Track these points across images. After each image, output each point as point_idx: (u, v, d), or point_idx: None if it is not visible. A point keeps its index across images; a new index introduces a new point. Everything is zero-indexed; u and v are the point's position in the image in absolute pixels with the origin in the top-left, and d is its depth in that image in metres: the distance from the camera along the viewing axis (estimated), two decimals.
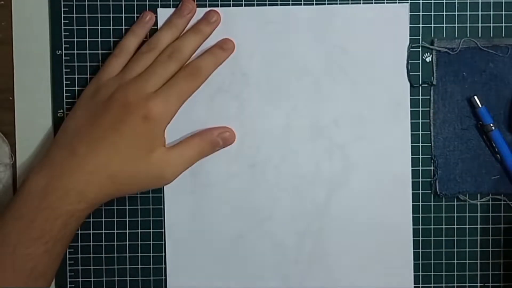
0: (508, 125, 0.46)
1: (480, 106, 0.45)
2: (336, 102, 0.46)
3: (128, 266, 0.46)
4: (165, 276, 0.46)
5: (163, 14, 0.45)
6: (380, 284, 0.46)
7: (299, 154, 0.46)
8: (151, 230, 0.46)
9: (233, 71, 0.45)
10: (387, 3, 0.46)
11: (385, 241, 0.46)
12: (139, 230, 0.46)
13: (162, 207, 0.46)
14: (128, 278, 0.46)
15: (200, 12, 0.45)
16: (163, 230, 0.46)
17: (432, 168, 0.46)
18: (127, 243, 0.46)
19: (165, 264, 0.46)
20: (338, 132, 0.46)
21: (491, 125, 0.45)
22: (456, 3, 0.46)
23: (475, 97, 0.46)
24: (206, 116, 0.46)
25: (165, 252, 0.46)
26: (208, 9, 0.45)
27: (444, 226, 0.47)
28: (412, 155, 0.46)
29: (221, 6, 0.46)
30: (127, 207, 0.46)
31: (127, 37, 0.45)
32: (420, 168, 0.46)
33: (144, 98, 0.41)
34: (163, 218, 0.46)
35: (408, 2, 0.46)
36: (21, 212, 0.39)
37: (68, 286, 0.46)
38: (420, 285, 0.47)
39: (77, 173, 0.40)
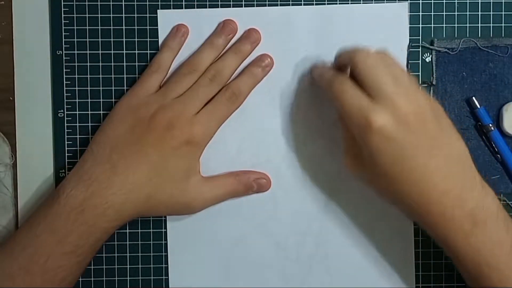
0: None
1: (478, 106, 0.45)
2: None
3: (128, 266, 0.46)
4: (166, 275, 0.46)
5: (163, 15, 0.45)
6: (382, 284, 0.46)
7: (299, 155, 0.46)
8: (151, 230, 0.46)
9: None
10: (386, 2, 0.46)
11: (386, 241, 0.46)
12: (139, 230, 0.46)
13: None
14: (128, 278, 0.46)
15: (200, 13, 0.45)
16: (163, 230, 0.46)
17: None
18: (127, 242, 0.46)
19: (165, 264, 0.46)
20: (338, 132, 0.46)
21: (490, 125, 0.45)
22: (456, 3, 0.46)
23: (474, 97, 0.46)
24: None
25: (165, 252, 0.46)
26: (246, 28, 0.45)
27: None
28: None
29: (221, 7, 0.46)
30: None
31: (162, 52, 0.45)
32: None
33: (187, 122, 0.41)
34: (163, 218, 0.46)
35: (407, 1, 0.46)
36: (56, 225, 0.39)
37: None
38: (420, 285, 0.47)
39: (116, 190, 0.40)
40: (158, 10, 0.45)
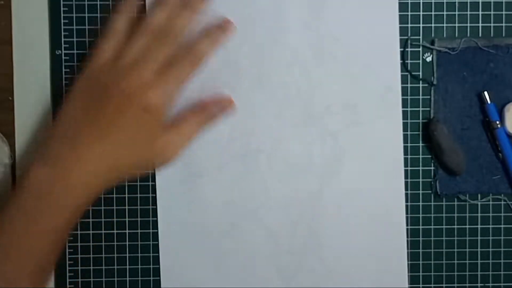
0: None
1: (489, 102, 0.45)
2: (327, 89, 0.46)
3: (128, 266, 0.46)
4: None
5: None
6: (375, 273, 0.46)
7: (291, 142, 0.46)
8: (150, 230, 0.46)
9: (223, 59, 0.45)
10: None
11: (379, 228, 0.46)
12: (139, 230, 0.46)
13: None
14: (128, 278, 0.46)
15: None
16: None
17: (432, 168, 0.46)
18: (127, 243, 0.46)
19: None
20: (330, 119, 0.46)
21: (497, 122, 0.45)
22: (457, 3, 0.46)
23: (485, 92, 0.45)
24: None
25: None
26: None
27: (444, 226, 0.47)
28: (412, 155, 0.46)
29: None
30: (127, 207, 0.46)
31: (115, 18, 0.43)
32: (420, 168, 0.46)
33: (143, 88, 0.40)
34: None
35: None
36: (26, 207, 0.39)
37: (68, 286, 0.46)
38: (420, 285, 0.47)
39: (80, 167, 0.39)
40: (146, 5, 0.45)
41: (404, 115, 0.46)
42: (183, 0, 0.43)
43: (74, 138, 0.40)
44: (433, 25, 0.46)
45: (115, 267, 0.46)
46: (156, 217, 0.46)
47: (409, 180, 0.46)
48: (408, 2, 0.46)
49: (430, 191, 0.46)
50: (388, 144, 0.46)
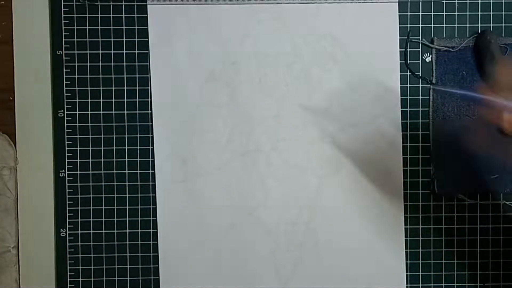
0: None
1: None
2: (326, 90, 0.46)
3: (128, 266, 0.46)
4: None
5: (153, 10, 0.46)
6: (372, 270, 0.46)
7: (290, 142, 0.46)
8: (150, 230, 0.46)
9: (223, 60, 0.46)
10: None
11: (377, 227, 0.46)
12: (139, 230, 0.46)
13: None
14: (128, 278, 0.46)
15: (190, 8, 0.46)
16: None
17: (431, 167, 0.46)
18: (127, 242, 0.46)
19: None
20: (329, 120, 0.46)
21: None
22: (456, 3, 0.46)
23: None
24: (197, 104, 0.46)
25: None
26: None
27: (443, 226, 0.47)
28: (411, 155, 0.46)
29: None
30: (127, 207, 0.46)
31: None
32: (420, 168, 0.46)
33: None
34: None
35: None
36: None
37: (68, 286, 0.46)
38: (420, 285, 0.47)
39: None
40: (148, 6, 0.45)
41: (404, 115, 0.46)
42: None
43: None
44: (432, 25, 0.46)
45: (116, 266, 0.46)
46: (156, 216, 0.46)
47: (408, 179, 0.46)
48: (408, 2, 0.46)
49: (429, 191, 0.47)
50: (387, 144, 0.46)
